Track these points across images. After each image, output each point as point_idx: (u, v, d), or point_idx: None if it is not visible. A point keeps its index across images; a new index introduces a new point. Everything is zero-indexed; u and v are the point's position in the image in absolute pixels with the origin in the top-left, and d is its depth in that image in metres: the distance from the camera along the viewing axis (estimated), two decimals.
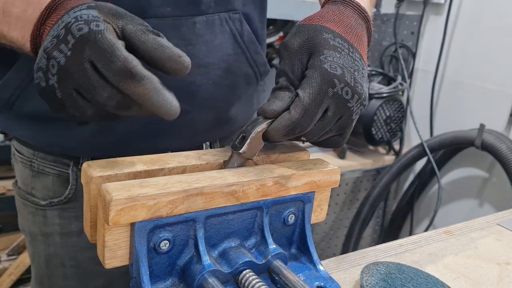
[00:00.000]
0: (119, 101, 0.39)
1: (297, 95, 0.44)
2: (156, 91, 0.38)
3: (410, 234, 1.91)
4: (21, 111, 0.61)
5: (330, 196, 0.52)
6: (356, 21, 0.50)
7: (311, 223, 0.50)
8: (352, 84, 0.45)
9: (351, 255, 0.60)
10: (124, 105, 0.40)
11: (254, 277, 0.43)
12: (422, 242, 0.65)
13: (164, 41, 0.40)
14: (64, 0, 0.43)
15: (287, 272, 0.45)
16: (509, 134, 1.55)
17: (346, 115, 0.46)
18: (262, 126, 0.45)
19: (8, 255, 2.01)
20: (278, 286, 0.45)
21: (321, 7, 0.54)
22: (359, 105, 0.46)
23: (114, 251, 0.40)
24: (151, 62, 0.40)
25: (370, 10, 0.55)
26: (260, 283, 0.42)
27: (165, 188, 0.39)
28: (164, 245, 0.41)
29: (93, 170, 0.41)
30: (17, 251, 2.04)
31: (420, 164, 1.79)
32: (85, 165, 0.42)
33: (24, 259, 1.98)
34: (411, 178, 1.88)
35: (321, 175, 0.48)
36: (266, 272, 0.46)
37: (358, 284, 0.52)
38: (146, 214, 0.38)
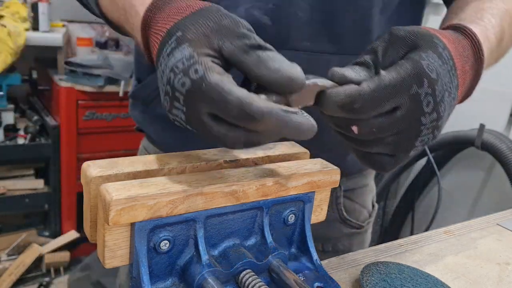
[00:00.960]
0: (246, 141, 0.36)
1: (377, 74, 0.39)
2: (281, 123, 0.34)
3: (411, 234, 1.90)
4: (154, 111, 0.66)
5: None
6: (468, 55, 0.45)
7: (311, 223, 0.51)
8: (438, 100, 0.39)
9: (351, 255, 0.60)
10: (251, 143, 0.37)
11: (254, 277, 0.43)
12: (422, 242, 0.65)
13: (269, 58, 0.35)
14: (153, 18, 0.42)
15: (287, 272, 0.45)
16: (509, 134, 1.55)
17: (411, 132, 0.40)
18: (322, 81, 0.39)
19: (8, 255, 2.01)
20: (278, 286, 0.45)
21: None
22: (431, 129, 0.40)
23: (114, 251, 0.40)
24: (258, 81, 0.36)
25: (490, 59, 0.51)
26: (260, 283, 0.42)
27: (165, 188, 0.39)
28: (164, 245, 0.41)
29: (93, 170, 0.41)
30: (17, 251, 2.04)
31: (420, 164, 1.79)
32: (84, 165, 0.42)
33: (24, 259, 1.98)
34: (411, 178, 1.88)
35: (321, 175, 0.48)
36: (266, 272, 0.46)
37: (358, 284, 0.52)
38: (146, 214, 0.38)
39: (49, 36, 2.06)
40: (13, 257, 2.01)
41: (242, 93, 0.34)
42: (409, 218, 1.88)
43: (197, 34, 0.37)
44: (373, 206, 0.84)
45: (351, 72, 0.39)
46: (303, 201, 0.49)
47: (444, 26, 0.50)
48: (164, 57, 0.38)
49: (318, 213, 0.52)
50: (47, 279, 2.02)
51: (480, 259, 0.62)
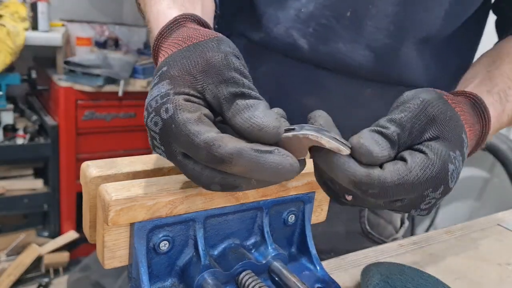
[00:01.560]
0: (221, 183, 0.34)
1: (403, 159, 0.35)
2: (254, 164, 0.31)
3: (411, 234, 1.90)
4: None
5: None
6: (472, 143, 0.43)
7: (312, 223, 0.50)
8: (438, 203, 0.37)
9: (351, 256, 0.59)
10: (229, 186, 0.34)
11: (254, 277, 0.42)
12: (423, 243, 0.65)
13: (245, 107, 0.33)
14: (161, 43, 0.41)
15: (287, 272, 0.44)
16: (510, 134, 1.55)
17: (400, 212, 0.38)
18: (327, 140, 0.33)
19: (7, 255, 2.00)
20: (278, 287, 0.45)
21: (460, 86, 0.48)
22: (418, 213, 0.38)
23: (114, 251, 0.39)
24: (234, 130, 0.34)
25: (494, 132, 0.49)
26: (260, 284, 0.42)
27: (165, 188, 0.39)
28: (164, 246, 0.41)
29: (92, 170, 0.41)
30: (16, 251, 2.04)
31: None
32: (84, 165, 0.42)
33: (23, 259, 1.98)
34: None
35: None
36: (266, 272, 0.46)
37: (359, 284, 0.52)
38: (146, 214, 0.38)
39: (48, 35, 2.06)
40: (12, 257, 2.00)
41: (209, 135, 0.32)
42: (409, 218, 1.88)
43: (181, 72, 0.35)
44: (402, 223, 0.81)
45: (376, 147, 0.34)
46: (303, 201, 0.49)
47: (469, 92, 0.46)
48: (149, 92, 0.37)
49: (319, 214, 0.52)
50: (46, 279, 2.02)
51: (481, 260, 0.62)
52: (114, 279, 1.78)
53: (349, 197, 0.36)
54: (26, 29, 1.99)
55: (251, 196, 0.43)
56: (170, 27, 0.42)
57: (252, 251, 0.46)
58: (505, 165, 1.45)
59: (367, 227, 0.75)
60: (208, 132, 0.32)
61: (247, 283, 0.42)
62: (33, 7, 2.04)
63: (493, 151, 1.48)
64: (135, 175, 0.42)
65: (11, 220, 2.12)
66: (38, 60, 2.31)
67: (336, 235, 0.72)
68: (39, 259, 2.03)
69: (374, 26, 0.56)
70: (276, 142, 0.33)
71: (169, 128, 0.33)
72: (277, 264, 0.45)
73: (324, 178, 0.37)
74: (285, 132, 0.34)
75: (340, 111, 0.50)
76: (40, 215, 2.18)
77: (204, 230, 0.43)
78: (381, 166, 0.35)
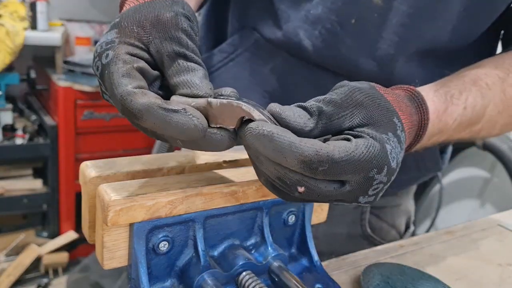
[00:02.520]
0: (149, 132, 0.36)
1: (347, 139, 0.35)
2: (160, 121, 0.33)
3: (412, 235, 1.90)
4: None
5: None
6: (410, 133, 0.43)
7: (312, 223, 0.50)
8: (385, 188, 0.37)
9: (352, 256, 0.59)
10: (155, 136, 0.36)
11: (253, 278, 0.42)
12: (423, 243, 0.65)
13: (185, 69, 0.36)
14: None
15: (287, 273, 0.44)
16: (511, 134, 1.55)
17: (347, 202, 0.37)
18: (251, 109, 0.34)
19: (7, 255, 2.00)
20: (278, 287, 0.45)
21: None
22: (365, 201, 0.37)
23: (113, 252, 0.39)
24: (170, 87, 0.36)
25: (437, 138, 0.49)
26: (260, 285, 0.41)
27: (164, 189, 0.39)
28: (163, 246, 0.40)
29: (91, 170, 0.41)
30: (15, 252, 2.04)
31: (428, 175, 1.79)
32: (83, 165, 0.42)
33: (23, 260, 1.97)
34: None
35: None
36: (266, 273, 0.45)
37: (359, 285, 0.52)
38: (145, 215, 0.38)
39: (48, 35, 2.05)
40: (12, 257, 2.00)
41: (126, 88, 0.34)
42: (415, 223, 1.88)
43: (130, 24, 0.37)
44: (407, 227, 0.80)
45: (291, 115, 0.35)
46: None
47: (406, 86, 0.46)
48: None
49: (319, 214, 0.51)
50: (45, 280, 2.01)
51: (481, 260, 0.62)
52: (114, 280, 1.78)
53: (302, 189, 0.35)
54: (25, 29, 1.98)
55: (251, 196, 0.43)
56: None
57: (252, 251, 0.46)
58: (506, 165, 1.45)
59: (368, 230, 0.74)
60: (127, 86, 0.34)
61: (247, 284, 0.42)
62: (32, 7, 2.03)
63: (494, 151, 1.48)
64: (135, 175, 0.42)
65: (10, 220, 2.11)
66: (37, 60, 2.31)
67: (337, 237, 0.72)
68: (38, 260, 2.03)
69: (378, 36, 0.56)
70: (206, 109, 0.35)
71: (104, 73, 0.35)
72: (277, 265, 0.45)
73: (268, 176, 0.36)
74: (217, 98, 0.35)
75: None
76: (40, 215, 2.17)
77: (204, 231, 0.42)
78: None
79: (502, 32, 0.65)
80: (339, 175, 0.34)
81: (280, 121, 0.35)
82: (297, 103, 0.36)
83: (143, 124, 0.34)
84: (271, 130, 0.32)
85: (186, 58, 0.36)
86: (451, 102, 0.49)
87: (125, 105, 0.34)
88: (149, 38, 0.37)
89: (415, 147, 0.47)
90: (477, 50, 0.61)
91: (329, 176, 0.34)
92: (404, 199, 0.78)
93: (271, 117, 0.35)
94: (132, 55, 0.36)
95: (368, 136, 0.35)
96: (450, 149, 0.77)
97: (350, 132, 0.36)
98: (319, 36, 0.57)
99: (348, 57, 0.57)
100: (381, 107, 0.37)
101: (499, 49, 0.65)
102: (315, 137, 0.35)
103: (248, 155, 0.36)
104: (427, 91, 0.48)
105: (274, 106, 0.35)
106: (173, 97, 0.36)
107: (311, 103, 0.36)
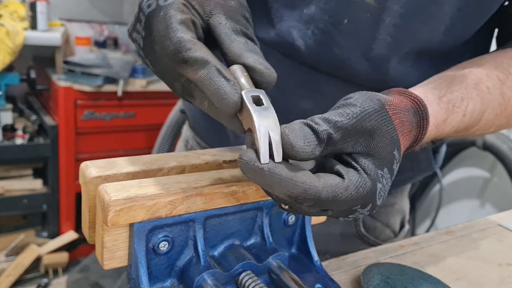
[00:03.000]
0: (183, 85, 0.37)
1: (339, 175, 0.36)
2: (207, 79, 0.34)
3: (412, 235, 1.90)
4: None
5: None
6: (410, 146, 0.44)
7: (312, 224, 0.50)
8: (367, 212, 0.38)
9: (352, 256, 0.59)
10: (187, 91, 0.37)
11: (253, 278, 0.42)
12: (423, 243, 0.65)
13: (251, 48, 0.36)
14: None
15: (287, 273, 0.44)
16: (511, 134, 1.55)
17: (332, 215, 0.38)
18: (260, 136, 0.33)
19: (6, 255, 2.00)
20: (278, 287, 0.45)
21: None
22: (343, 219, 0.39)
23: (113, 252, 0.39)
24: (227, 60, 0.37)
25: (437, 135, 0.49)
26: (260, 285, 0.41)
27: (164, 189, 0.39)
28: (163, 246, 0.40)
29: (92, 170, 0.41)
30: (15, 252, 2.04)
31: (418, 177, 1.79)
32: (83, 165, 0.42)
33: (22, 260, 1.97)
34: None
35: None
36: (266, 273, 0.45)
37: (359, 285, 0.52)
38: (145, 215, 0.38)
39: (48, 35, 2.06)
40: (11, 258, 2.00)
41: (184, 35, 0.34)
42: (410, 219, 1.88)
43: None
44: (402, 226, 0.81)
45: (299, 141, 0.34)
46: None
47: (414, 95, 0.46)
48: None
49: None
50: (45, 280, 2.01)
51: (481, 260, 0.62)
52: (114, 280, 1.78)
53: (286, 207, 0.37)
54: (25, 29, 1.99)
55: (251, 196, 0.43)
56: None
57: (252, 251, 0.46)
58: (506, 165, 1.45)
59: (362, 230, 0.74)
60: (186, 33, 0.34)
61: (247, 284, 0.42)
62: (32, 7, 2.04)
63: (494, 151, 1.48)
64: (135, 175, 0.42)
65: (10, 221, 2.11)
66: (38, 60, 2.31)
67: (331, 236, 0.72)
68: (38, 260, 2.03)
69: (371, 36, 0.55)
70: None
71: (158, 14, 0.35)
72: (277, 265, 0.45)
73: (260, 184, 0.37)
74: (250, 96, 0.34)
75: None
76: (39, 216, 2.17)
77: (204, 231, 0.42)
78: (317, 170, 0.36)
79: (497, 30, 0.65)
80: (323, 208, 0.35)
81: (290, 152, 0.34)
82: (306, 122, 0.36)
83: (188, 72, 0.34)
84: (262, 167, 0.33)
85: (253, 41, 0.38)
86: (452, 111, 0.49)
87: (180, 50, 0.34)
88: (212, 12, 0.38)
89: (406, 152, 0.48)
90: (471, 49, 0.61)
91: (313, 208, 0.35)
92: (398, 198, 0.78)
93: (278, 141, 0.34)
94: (190, 11, 0.37)
95: (362, 172, 0.36)
96: (444, 149, 0.77)
97: (349, 159, 0.37)
98: (312, 36, 0.56)
99: (341, 58, 0.57)
100: (386, 137, 0.38)
101: (493, 46, 0.65)
102: (314, 158, 0.36)
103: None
104: (432, 101, 0.47)
105: (286, 132, 0.34)
106: (235, 67, 0.36)
107: (322, 127, 0.35)
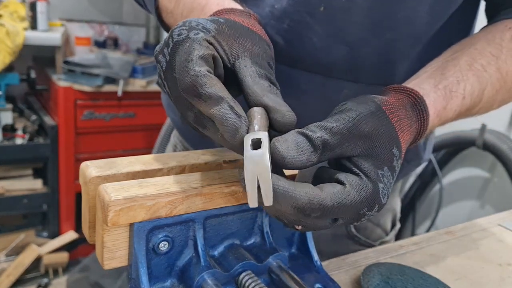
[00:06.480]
0: (196, 115, 0.38)
1: (339, 182, 0.36)
2: (222, 115, 0.34)
3: (412, 235, 1.90)
4: None
5: None
6: (410, 141, 0.44)
7: None
8: (376, 213, 0.38)
9: (352, 256, 0.59)
10: (200, 121, 0.38)
11: (253, 278, 0.42)
12: (423, 243, 0.65)
13: (274, 93, 0.37)
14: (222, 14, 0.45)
15: (287, 273, 0.44)
16: (511, 134, 1.55)
17: (345, 223, 0.39)
18: (249, 191, 0.34)
19: (7, 255, 2.00)
20: (278, 287, 0.45)
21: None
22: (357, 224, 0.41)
23: (113, 252, 0.39)
24: (254, 104, 0.37)
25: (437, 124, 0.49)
26: (260, 285, 0.41)
27: (164, 189, 0.39)
28: (163, 246, 0.40)
29: (92, 170, 0.40)
30: (15, 252, 2.04)
31: (421, 165, 1.79)
32: (83, 165, 0.42)
33: (23, 260, 1.97)
34: (412, 178, 1.87)
35: None
36: (266, 273, 0.45)
37: (359, 285, 0.52)
38: (145, 215, 0.38)
39: (48, 35, 2.06)
40: (12, 257, 2.00)
41: (201, 69, 0.35)
42: (410, 219, 1.88)
43: (231, 33, 0.40)
44: (393, 225, 0.81)
45: (294, 155, 0.35)
46: None
47: (410, 89, 0.46)
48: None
49: None
50: (45, 280, 2.01)
51: (481, 260, 0.62)
52: (114, 280, 1.78)
53: (299, 227, 0.38)
54: (25, 29, 1.98)
55: None
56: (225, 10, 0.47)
57: (252, 251, 0.46)
58: (506, 165, 1.45)
59: (353, 230, 0.74)
60: (203, 67, 0.36)
61: (247, 284, 0.42)
62: (32, 7, 2.03)
63: (494, 151, 1.48)
64: (135, 175, 0.42)
65: (10, 221, 2.11)
66: (37, 60, 2.31)
67: (322, 237, 0.72)
68: (38, 260, 2.03)
69: (348, 20, 0.54)
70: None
71: (184, 44, 0.37)
72: (277, 265, 0.45)
73: (271, 212, 0.38)
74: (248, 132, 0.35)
75: (316, 112, 0.50)
76: (40, 216, 2.17)
77: (204, 231, 0.42)
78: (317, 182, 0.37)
79: (484, 3, 0.64)
80: (330, 217, 0.36)
81: (282, 164, 0.35)
82: (300, 131, 0.36)
83: (201, 106, 0.36)
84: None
85: (276, 86, 0.39)
86: (450, 97, 0.49)
87: (196, 84, 0.35)
88: (239, 54, 0.39)
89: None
90: (456, 34, 0.61)
91: (321, 219, 0.36)
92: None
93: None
94: (216, 50, 0.38)
95: (362, 175, 0.37)
96: (432, 142, 0.77)
97: (348, 163, 0.38)
98: (288, 29, 0.56)
99: (320, 47, 0.56)
100: (385, 137, 0.38)
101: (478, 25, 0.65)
102: (312, 165, 0.36)
103: None
104: (428, 91, 0.48)
105: (276, 146, 0.35)
106: (255, 109, 0.37)
107: (316, 134, 0.36)
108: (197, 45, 0.37)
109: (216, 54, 0.38)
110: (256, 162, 0.33)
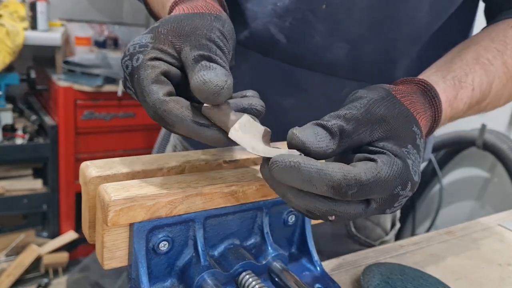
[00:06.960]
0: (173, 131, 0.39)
1: (371, 160, 0.36)
2: (193, 134, 0.36)
3: (412, 234, 1.90)
4: None
5: None
6: (425, 128, 0.43)
7: (312, 224, 0.50)
8: (408, 197, 0.38)
9: (352, 256, 0.59)
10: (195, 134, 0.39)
11: (253, 278, 0.42)
12: (423, 243, 0.65)
13: (204, 67, 0.36)
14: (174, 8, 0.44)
15: (287, 273, 0.44)
16: (511, 134, 1.55)
17: (377, 213, 0.38)
18: (258, 128, 0.37)
19: (7, 255, 2.00)
20: (278, 287, 0.45)
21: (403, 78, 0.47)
22: (390, 212, 0.39)
23: (113, 252, 0.39)
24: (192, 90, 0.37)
25: (449, 118, 0.49)
26: (260, 285, 0.41)
27: (164, 189, 0.39)
28: (163, 246, 0.40)
29: (92, 170, 0.40)
30: (15, 252, 2.04)
31: (421, 164, 1.79)
32: (83, 165, 0.42)
33: (23, 260, 1.97)
34: None
35: None
36: (266, 273, 0.45)
37: (359, 285, 0.52)
38: (145, 215, 0.38)
39: (48, 35, 2.06)
40: (12, 257, 2.00)
41: (157, 96, 0.35)
42: (410, 219, 1.88)
43: (166, 32, 0.39)
44: (393, 225, 0.81)
45: (313, 141, 0.35)
46: None
47: (417, 79, 0.46)
48: (136, 37, 0.41)
49: None
50: (45, 280, 2.01)
51: (481, 260, 0.62)
52: (114, 280, 1.78)
53: (332, 217, 0.36)
54: (25, 29, 1.98)
55: (251, 196, 0.43)
56: None
57: (252, 251, 0.46)
58: (506, 165, 1.45)
59: (353, 229, 0.74)
60: (158, 93, 0.36)
61: (247, 284, 0.42)
62: (32, 7, 2.03)
63: (494, 151, 1.48)
64: (135, 175, 0.42)
65: (10, 220, 2.11)
66: (37, 60, 2.31)
67: (321, 236, 0.72)
68: (38, 260, 2.03)
69: (349, 18, 0.55)
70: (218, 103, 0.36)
71: (133, 76, 0.37)
72: (277, 265, 0.45)
73: (301, 207, 0.36)
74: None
75: (318, 110, 0.49)
76: (40, 216, 2.17)
77: (204, 231, 0.42)
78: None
79: (484, 5, 0.65)
80: (366, 196, 0.35)
81: (302, 149, 0.35)
82: (316, 122, 0.36)
83: (174, 131, 0.37)
84: (297, 160, 0.33)
85: (210, 59, 0.37)
86: (460, 87, 0.49)
87: (158, 114, 0.35)
88: (181, 46, 0.38)
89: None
90: (455, 34, 0.62)
91: (357, 197, 0.34)
92: None
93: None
94: (160, 59, 0.38)
95: (389, 153, 0.36)
96: (432, 142, 0.77)
97: (371, 148, 0.37)
98: (291, 27, 0.56)
99: (322, 45, 0.56)
100: (400, 117, 0.38)
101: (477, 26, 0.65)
102: (335, 155, 0.36)
103: (276, 192, 0.37)
104: (437, 81, 0.48)
105: (295, 132, 0.35)
106: (204, 108, 0.37)
107: (331, 122, 0.36)
108: (143, 72, 0.36)
109: (163, 67, 0.37)
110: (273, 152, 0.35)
